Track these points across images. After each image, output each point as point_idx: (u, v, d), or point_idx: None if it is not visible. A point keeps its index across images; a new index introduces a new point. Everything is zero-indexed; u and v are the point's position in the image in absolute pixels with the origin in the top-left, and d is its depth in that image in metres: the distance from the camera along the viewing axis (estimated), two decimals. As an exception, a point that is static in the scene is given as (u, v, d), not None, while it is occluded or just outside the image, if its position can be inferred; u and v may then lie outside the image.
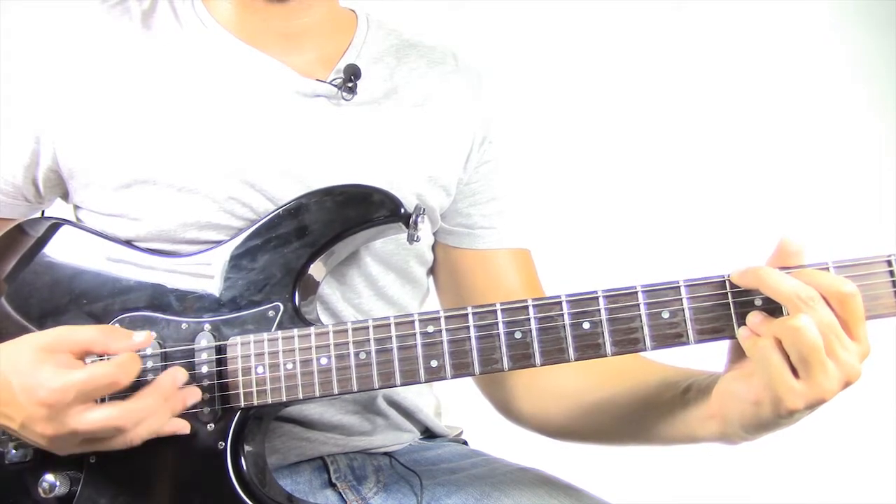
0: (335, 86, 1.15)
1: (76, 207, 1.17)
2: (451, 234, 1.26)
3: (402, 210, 1.05)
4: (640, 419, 1.06)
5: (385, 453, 1.22)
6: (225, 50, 1.16)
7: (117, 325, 1.05)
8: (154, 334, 0.99)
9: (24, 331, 1.05)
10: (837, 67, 2.71)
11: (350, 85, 1.15)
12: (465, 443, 1.33)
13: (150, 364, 1.02)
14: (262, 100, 1.13)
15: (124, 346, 0.95)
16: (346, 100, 1.16)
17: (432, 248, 1.27)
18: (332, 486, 1.14)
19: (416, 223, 1.05)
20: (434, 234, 1.26)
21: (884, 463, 2.47)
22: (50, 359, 0.92)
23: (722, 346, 0.92)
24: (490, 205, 1.26)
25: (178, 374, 0.98)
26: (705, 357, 0.96)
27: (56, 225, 1.12)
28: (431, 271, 1.30)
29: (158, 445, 0.98)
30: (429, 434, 1.30)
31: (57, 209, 1.20)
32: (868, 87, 2.71)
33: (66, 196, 1.18)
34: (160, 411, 0.96)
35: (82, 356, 0.95)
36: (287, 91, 1.14)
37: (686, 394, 0.99)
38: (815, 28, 2.73)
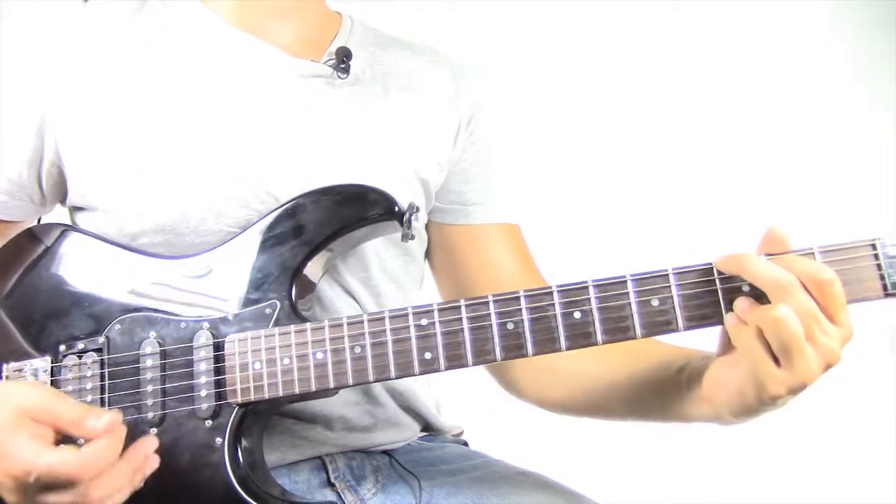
0: (330, 66, 1.19)
1: (75, 209, 1.18)
2: (444, 211, 1.29)
3: (397, 208, 1.06)
4: (637, 399, 1.08)
5: (384, 452, 1.22)
6: (218, 35, 1.18)
7: (118, 323, 1.06)
8: (119, 416, 0.94)
9: (27, 336, 1.07)
10: (837, 67, 2.71)
11: (343, 66, 1.19)
12: (465, 443, 1.34)
13: (149, 362, 1.03)
14: (260, 84, 1.16)
15: (90, 431, 0.91)
16: (342, 79, 1.19)
17: (427, 228, 1.30)
18: (331, 485, 1.14)
19: (409, 221, 1.06)
20: (428, 213, 1.29)
21: (884, 463, 2.47)
22: (26, 428, 0.90)
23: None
24: (480, 182, 1.30)
25: (150, 443, 0.97)
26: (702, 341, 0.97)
27: (57, 229, 1.13)
28: (427, 257, 1.33)
29: (157, 441, 0.98)
30: (428, 429, 1.30)
31: (55, 216, 1.21)
32: (868, 87, 2.70)
33: (64, 199, 1.19)
34: (126, 485, 0.94)
35: (59, 434, 0.93)
36: (285, 73, 1.17)
37: (679, 374, 1.00)
38: (815, 28, 2.74)
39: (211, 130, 1.11)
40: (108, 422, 0.91)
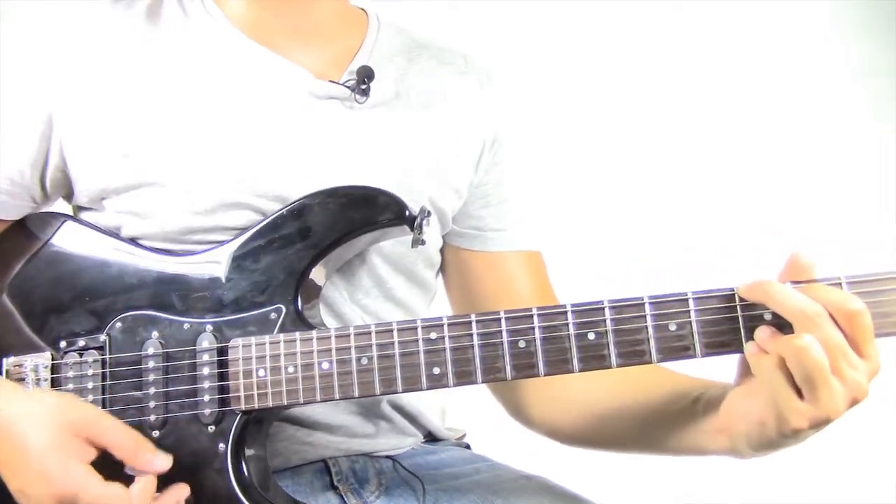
0: (348, 87, 1.14)
1: (79, 208, 1.17)
2: (462, 236, 1.26)
3: (407, 213, 1.04)
4: (649, 430, 1.06)
5: (387, 456, 1.21)
6: (236, 48, 1.15)
7: (119, 322, 1.05)
8: (170, 460, 0.97)
9: (27, 329, 1.06)
10: (837, 68, 2.70)
11: (363, 87, 1.14)
12: (467, 446, 1.33)
13: (151, 364, 1.02)
14: (274, 101, 1.12)
15: (145, 465, 0.95)
16: (360, 102, 1.15)
17: (441, 250, 1.27)
18: (334, 488, 1.13)
19: (420, 226, 1.04)
20: (444, 236, 1.25)
21: (884, 463, 2.48)
22: (74, 448, 0.92)
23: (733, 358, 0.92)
24: (501, 207, 1.26)
25: (183, 492, 0.98)
26: (716, 368, 0.96)
27: (61, 221, 1.12)
28: (441, 273, 1.30)
29: (159, 447, 0.98)
30: (431, 438, 1.29)
31: (57, 208, 1.20)
32: (868, 88, 2.70)
33: (69, 197, 1.17)
34: None
35: (101, 451, 0.95)
36: (300, 93, 1.14)
37: (695, 404, 0.98)
38: (815, 28, 2.73)
39: (220, 145, 1.09)
40: (166, 462, 0.96)
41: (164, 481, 0.99)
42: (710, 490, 2.40)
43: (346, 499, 1.12)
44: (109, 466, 0.94)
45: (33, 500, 0.92)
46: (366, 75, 1.15)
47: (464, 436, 1.34)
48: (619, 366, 0.90)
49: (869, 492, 2.45)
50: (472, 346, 0.93)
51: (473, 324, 0.94)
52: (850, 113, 2.68)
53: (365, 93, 1.14)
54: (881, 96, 2.70)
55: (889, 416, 2.47)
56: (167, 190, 1.08)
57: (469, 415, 1.41)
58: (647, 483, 2.34)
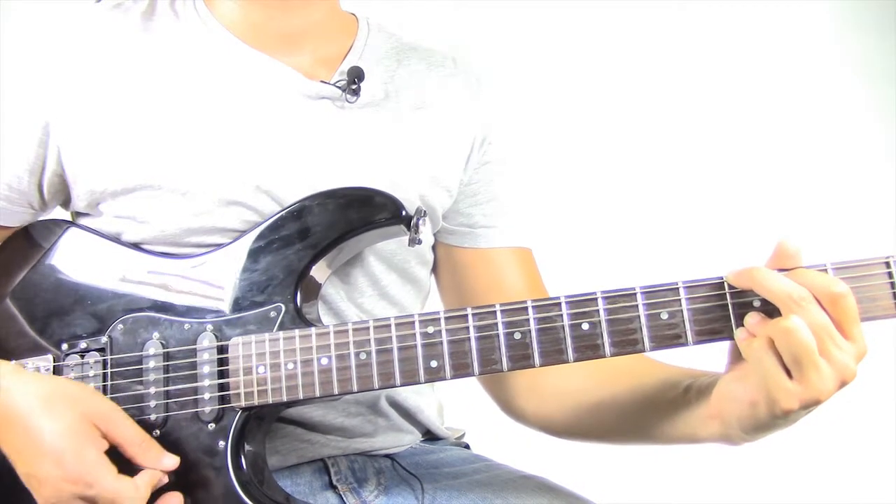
0: (339, 88, 1.16)
1: (78, 214, 1.17)
2: (453, 233, 1.27)
3: (404, 213, 1.05)
4: (641, 419, 1.06)
5: (386, 455, 1.22)
6: (228, 52, 1.16)
7: (121, 323, 1.06)
8: (177, 460, 0.99)
9: (30, 333, 1.07)
10: (839, 68, 2.71)
11: (354, 87, 1.16)
12: (466, 446, 1.33)
13: (152, 364, 1.03)
14: (267, 102, 1.14)
15: (153, 462, 0.98)
16: (350, 102, 1.16)
17: (433, 248, 1.28)
18: (333, 487, 1.14)
19: (416, 226, 1.05)
20: (435, 234, 1.26)
21: (884, 463, 2.47)
22: (90, 436, 0.94)
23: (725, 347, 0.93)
24: (491, 204, 1.27)
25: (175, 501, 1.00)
26: (709, 358, 0.96)
27: (62, 226, 1.14)
28: (433, 271, 1.30)
29: (160, 444, 0.99)
30: (430, 436, 1.30)
31: (55, 214, 1.21)
32: (869, 88, 2.71)
33: (66, 203, 1.18)
34: None
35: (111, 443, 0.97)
36: (292, 93, 1.15)
37: (687, 393, 0.99)
38: (817, 28, 2.74)
39: (212, 146, 1.10)
40: (173, 462, 0.98)
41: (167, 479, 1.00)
42: (708, 489, 2.40)
43: (344, 498, 1.13)
44: (116, 464, 0.96)
45: (43, 483, 0.93)
46: (356, 75, 1.16)
47: (463, 435, 1.35)
48: (612, 355, 0.91)
49: (869, 492, 2.45)
50: (469, 339, 0.94)
51: (470, 317, 0.95)
52: (850, 113, 2.69)
53: (355, 93, 1.16)
54: (882, 97, 2.70)
55: (889, 415, 2.48)
56: (162, 192, 1.09)
57: (468, 414, 1.41)
58: (646, 482, 2.34)
